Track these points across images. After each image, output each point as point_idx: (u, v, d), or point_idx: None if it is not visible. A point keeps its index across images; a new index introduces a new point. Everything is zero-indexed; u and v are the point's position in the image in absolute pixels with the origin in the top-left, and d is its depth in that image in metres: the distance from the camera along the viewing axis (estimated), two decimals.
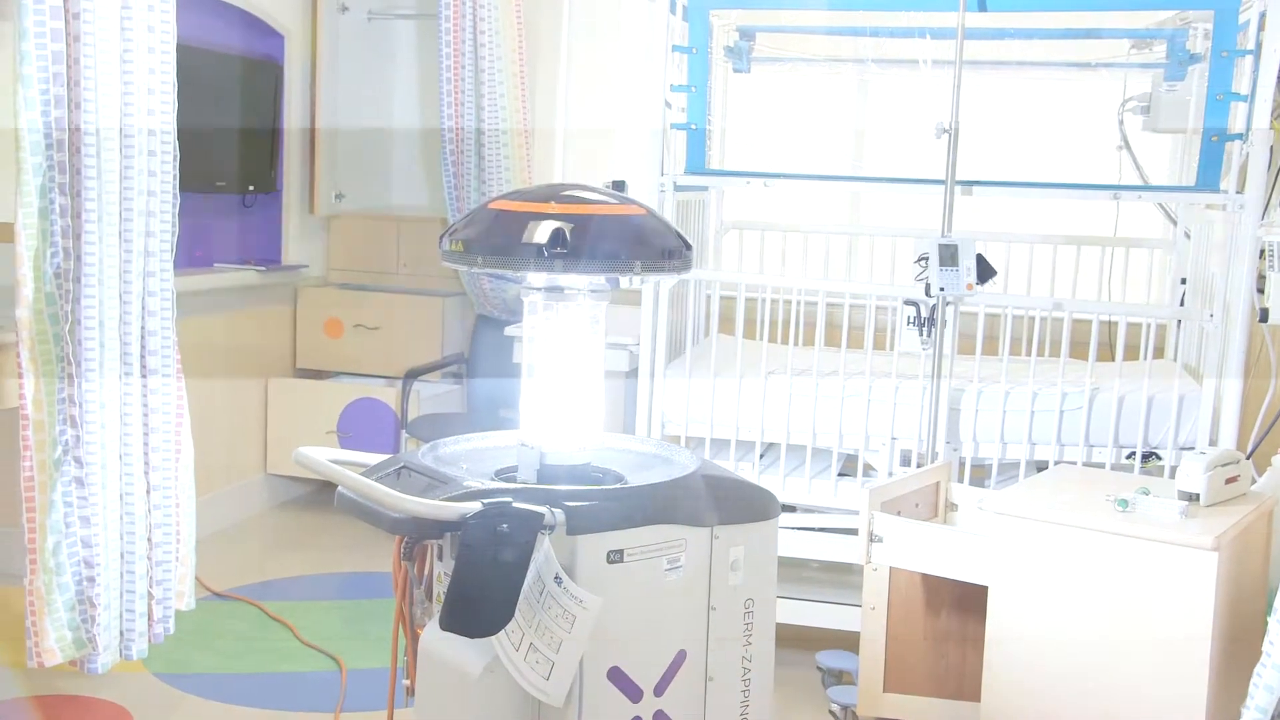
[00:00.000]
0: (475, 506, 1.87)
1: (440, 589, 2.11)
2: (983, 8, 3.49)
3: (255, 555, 4.72)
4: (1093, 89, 4.56)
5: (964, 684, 3.00)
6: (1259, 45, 3.28)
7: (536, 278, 2.07)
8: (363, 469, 2.16)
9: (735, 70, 4.22)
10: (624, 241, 2.01)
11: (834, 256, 4.45)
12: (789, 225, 4.59)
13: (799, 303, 3.82)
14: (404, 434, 4.91)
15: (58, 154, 2.96)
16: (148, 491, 3.32)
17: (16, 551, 3.14)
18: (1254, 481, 2.87)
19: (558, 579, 1.89)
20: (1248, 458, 3.01)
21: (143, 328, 3.25)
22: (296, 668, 3.65)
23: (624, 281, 2.07)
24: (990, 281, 3.43)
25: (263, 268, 5.04)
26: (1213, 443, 3.38)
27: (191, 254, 4.82)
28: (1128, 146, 4.16)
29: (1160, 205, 4.31)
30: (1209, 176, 3.39)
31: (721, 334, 3.83)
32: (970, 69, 3.83)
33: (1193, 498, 2.65)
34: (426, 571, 2.16)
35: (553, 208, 2.01)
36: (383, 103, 5.59)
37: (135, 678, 3.48)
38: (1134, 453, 3.47)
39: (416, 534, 2.03)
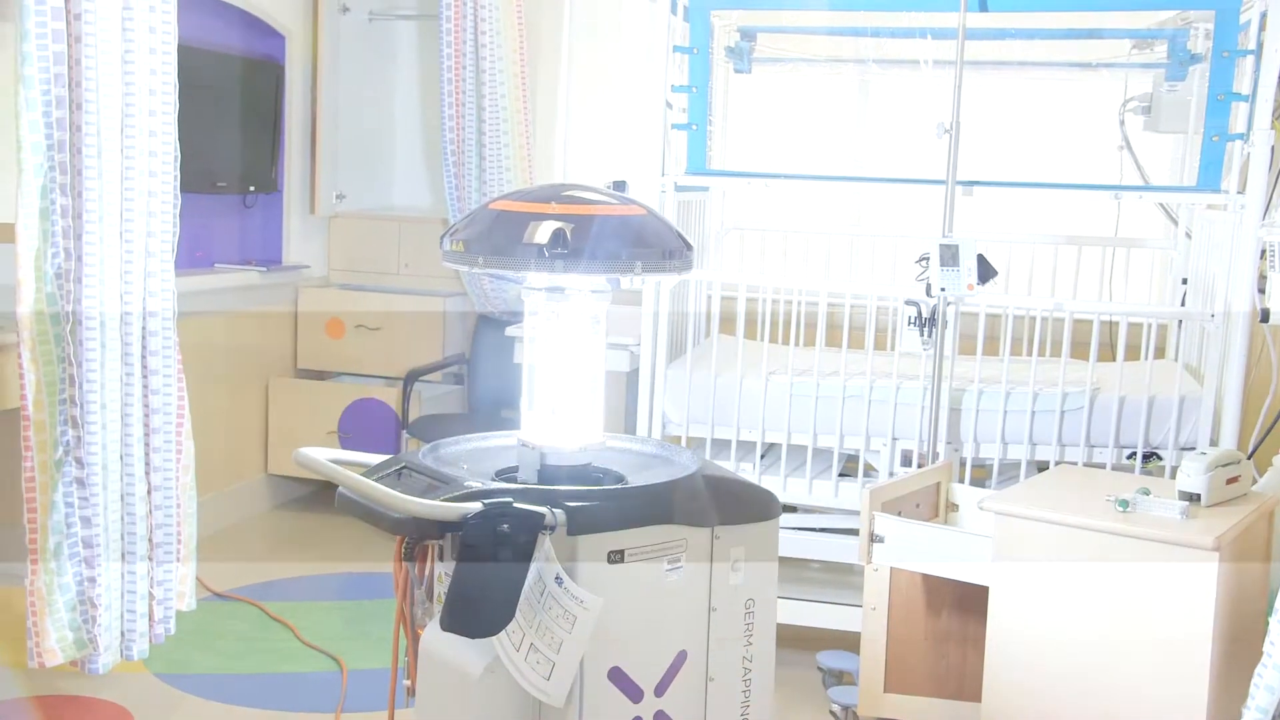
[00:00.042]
0: (476, 507, 1.87)
1: (441, 589, 2.11)
2: (984, 8, 3.49)
3: (256, 556, 4.72)
4: (1094, 89, 4.56)
5: (964, 684, 3.00)
6: (1260, 45, 3.27)
7: (537, 278, 2.07)
8: (363, 469, 2.16)
9: (736, 71, 4.22)
10: (625, 242, 2.01)
11: (835, 257, 4.45)
12: (790, 225, 4.59)
13: (800, 303, 3.82)
14: (405, 434, 4.91)
15: (59, 154, 2.96)
16: (149, 492, 3.33)
17: (18, 551, 3.14)
18: (1255, 482, 2.87)
19: (558, 579, 1.89)
20: (1249, 458, 3.01)
21: (144, 328, 3.25)
22: (297, 668, 3.65)
23: (625, 282, 2.07)
24: (991, 282, 3.43)
25: (264, 268, 5.04)
26: (1213, 443, 3.38)
27: (192, 254, 4.82)
28: (1129, 147, 4.16)
29: (1161, 205, 4.31)
30: (1210, 177, 3.39)
31: (722, 334, 3.84)
32: (971, 69, 3.83)
33: (1193, 498, 2.65)
34: (427, 572, 2.16)
35: (553, 208, 2.02)
36: (384, 103, 5.59)
37: (136, 678, 3.48)
38: (1135, 453, 3.47)
39: (417, 534, 2.03)
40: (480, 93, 4.85)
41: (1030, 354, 3.76)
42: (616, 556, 1.97)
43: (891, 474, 3.56)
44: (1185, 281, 4.07)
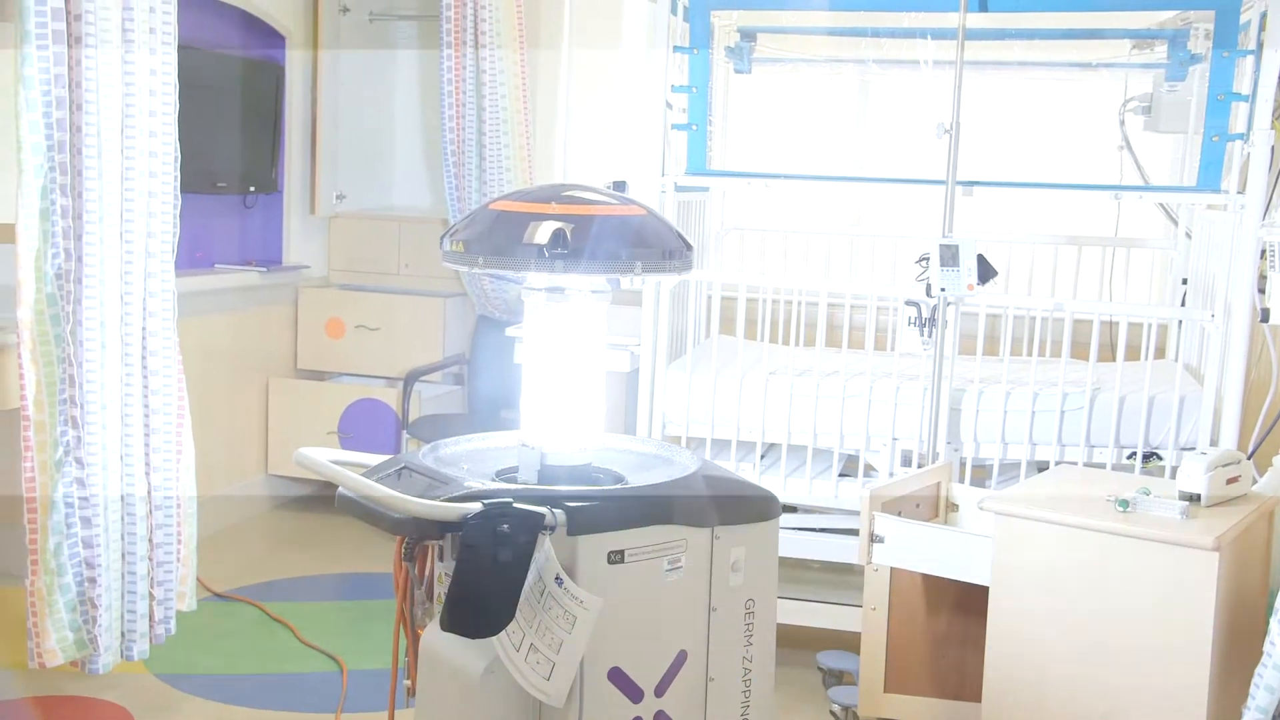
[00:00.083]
0: (476, 507, 1.87)
1: (441, 589, 2.11)
2: (984, 8, 3.49)
3: (256, 556, 4.72)
4: (1094, 89, 4.56)
5: (964, 684, 3.00)
6: (1260, 45, 3.27)
7: (537, 278, 2.07)
8: (363, 470, 2.16)
9: (736, 71, 4.22)
10: (625, 242, 2.01)
11: (835, 257, 4.45)
12: (790, 226, 4.59)
13: (800, 303, 3.83)
14: (405, 435, 4.91)
15: (59, 155, 2.96)
16: (149, 492, 3.33)
17: (18, 552, 3.14)
18: (1255, 482, 2.87)
19: (558, 579, 1.89)
20: (1249, 458, 3.01)
21: (144, 328, 3.25)
22: (297, 668, 3.65)
23: (625, 282, 2.07)
24: (991, 282, 3.43)
25: (264, 268, 5.04)
26: (1214, 443, 3.38)
27: (192, 255, 4.82)
28: (1129, 147, 4.16)
29: (1161, 205, 4.31)
30: (1210, 177, 3.39)
31: (722, 334, 3.84)
32: (971, 69, 3.83)
33: (1193, 498, 2.65)
34: (427, 572, 2.16)
35: (554, 208, 2.02)
36: (384, 103, 5.59)
37: (136, 678, 3.48)
38: (1135, 453, 3.47)
39: (417, 534, 2.03)
40: (480, 93, 4.85)
41: (1030, 354, 3.77)
42: (616, 557, 1.97)
43: (891, 474, 3.56)
44: (1185, 281, 4.07)
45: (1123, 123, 4.11)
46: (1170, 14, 3.79)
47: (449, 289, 5.24)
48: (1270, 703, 2.20)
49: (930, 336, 3.44)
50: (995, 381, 3.57)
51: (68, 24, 2.94)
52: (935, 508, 3.19)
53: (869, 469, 3.65)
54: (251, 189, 5.04)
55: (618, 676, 1.99)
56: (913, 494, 3.10)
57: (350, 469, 2.10)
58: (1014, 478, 3.54)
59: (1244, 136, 3.36)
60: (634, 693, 2.01)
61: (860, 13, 3.84)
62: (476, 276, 4.97)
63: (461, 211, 5.01)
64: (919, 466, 3.48)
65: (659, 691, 2.04)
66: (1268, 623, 2.25)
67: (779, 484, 3.63)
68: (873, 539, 2.94)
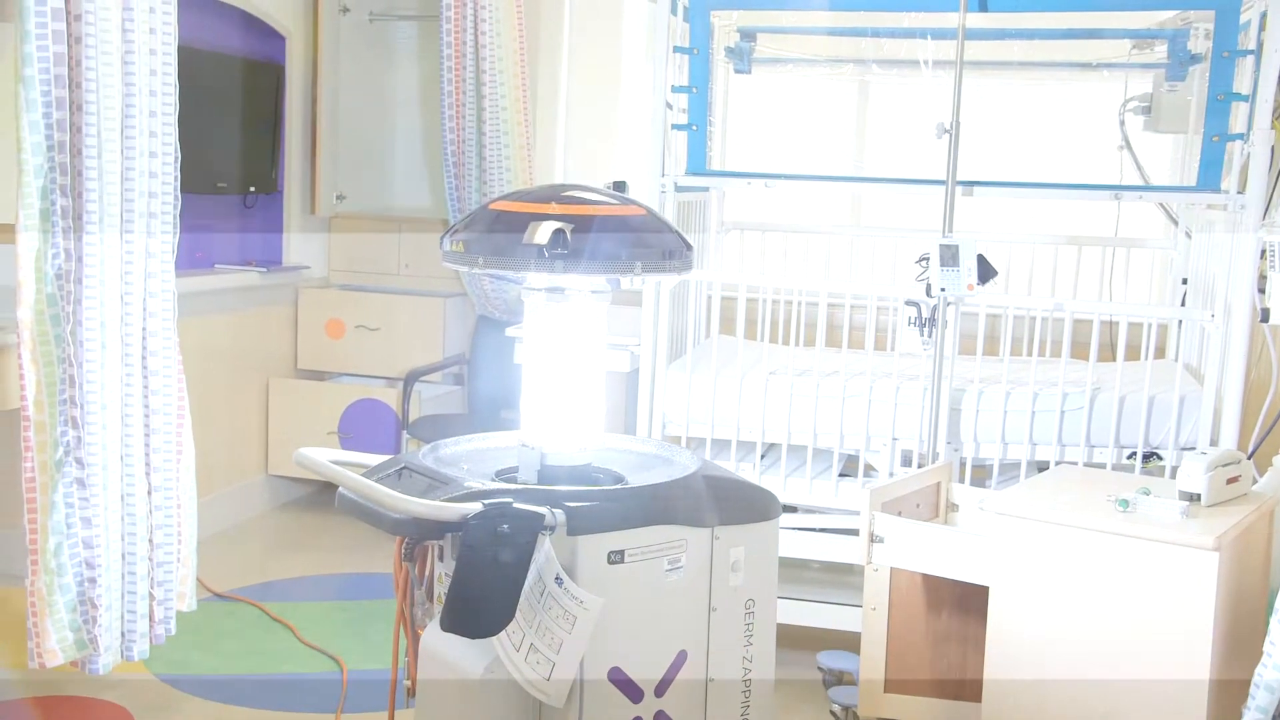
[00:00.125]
0: (476, 507, 1.87)
1: (441, 590, 2.11)
2: (984, 8, 3.49)
3: (256, 556, 4.72)
4: (1094, 89, 4.56)
5: (965, 684, 3.00)
6: (1260, 45, 3.28)
7: (537, 278, 2.07)
8: (364, 470, 2.16)
9: (736, 71, 4.23)
10: (625, 242, 2.02)
11: (835, 257, 4.45)
12: (790, 226, 4.59)
13: (800, 303, 3.83)
14: (405, 435, 4.91)
15: (59, 155, 2.96)
16: (149, 492, 3.33)
17: (18, 552, 3.14)
18: (1255, 482, 2.87)
19: (558, 579, 1.90)
20: (1249, 458, 3.01)
21: (144, 329, 3.25)
22: (297, 669, 3.65)
23: (625, 282, 2.07)
24: (991, 282, 3.43)
25: (264, 269, 5.04)
26: (1214, 443, 3.38)
27: (193, 255, 4.82)
28: (1129, 147, 4.16)
29: (1161, 205, 4.31)
30: (1210, 177, 3.39)
31: (722, 334, 3.84)
32: (971, 70, 3.83)
33: (1194, 498, 2.65)
34: (427, 572, 2.17)
35: (554, 208, 2.02)
36: (384, 104, 5.59)
37: (136, 678, 3.48)
38: (1135, 453, 3.47)
39: (417, 535, 2.03)
40: (480, 93, 4.86)
41: (1030, 354, 3.77)
42: (616, 557, 1.97)
43: (892, 474, 3.56)
44: (1185, 281, 4.07)
45: (1123, 123, 4.11)
46: (1170, 14, 3.79)
47: (449, 289, 5.24)
48: (1270, 703, 2.20)
49: (930, 336, 3.44)
50: (995, 381, 3.57)
51: (68, 24, 2.94)
52: (935, 508, 3.19)
53: (869, 469, 3.65)
54: (251, 189, 5.04)
55: (618, 676, 1.99)
56: (913, 494, 3.10)
57: (350, 469, 2.10)
58: (1014, 478, 3.54)
59: (1244, 136, 3.36)
60: (634, 693, 2.01)
61: (860, 13, 3.85)
62: (476, 276, 4.97)
63: (461, 211, 5.01)
64: (919, 466, 3.48)
65: (659, 691, 2.04)
66: (1268, 623, 2.25)
67: (779, 484, 3.63)
68: (873, 539, 2.93)
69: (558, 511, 1.92)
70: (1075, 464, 3.47)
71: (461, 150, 4.94)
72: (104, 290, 3.09)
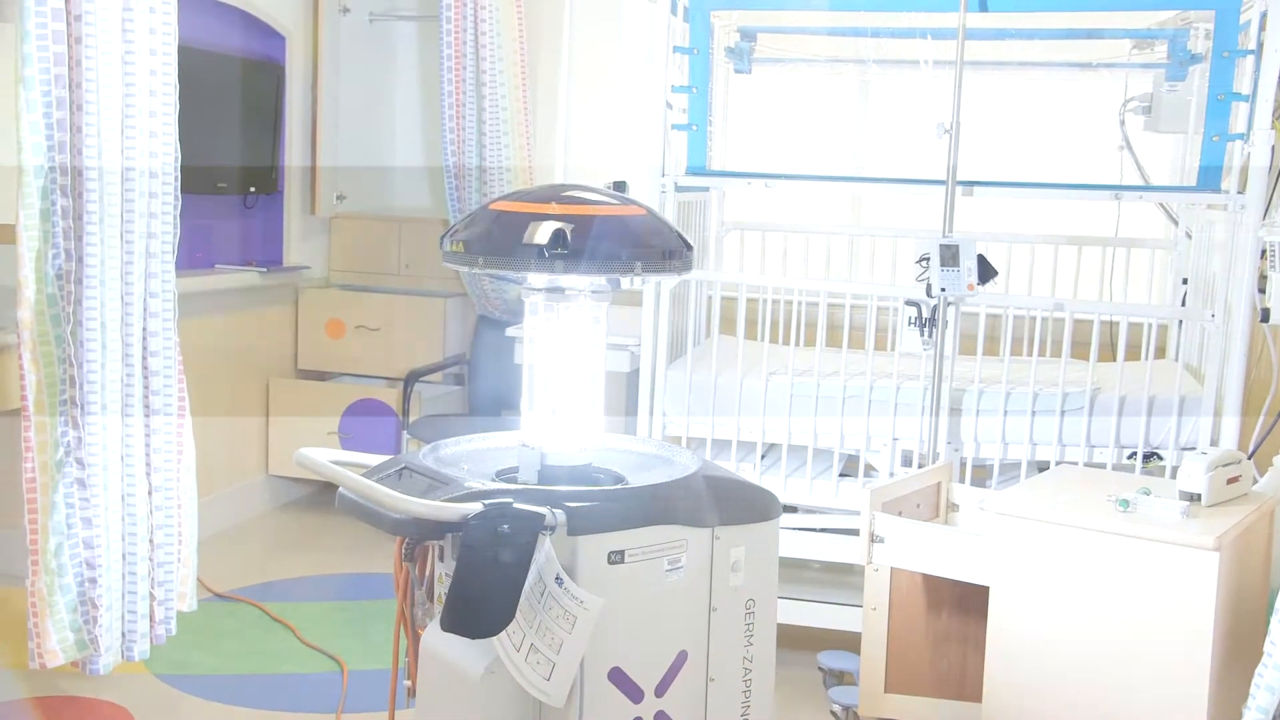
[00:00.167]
0: (476, 507, 1.87)
1: (441, 590, 2.11)
2: (984, 8, 3.49)
3: (257, 556, 4.72)
4: (1094, 89, 4.56)
5: (965, 684, 3.00)
6: (1260, 45, 3.27)
7: (537, 278, 2.07)
8: (364, 470, 2.16)
9: (736, 71, 4.22)
10: (625, 242, 2.02)
11: (835, 257, 4.45)
12: (790, 226, 4.59)
13: (800, 303, 3.82)
14: (405, 435, 4.92)
15: (59, 155, 2.96)
16: (149, 492, 3.33)
17: (18, 552, 3.15)
18: (1255, 482, 2.87)
19: (559, 580, 1.90)
20: (1249, 458, 3.01)
21: (144, 329, 3.25)
22: (298, 669, 3.65)
23: (625, 282, 2.07)
24: (991, 282, 3.43)
25: (264, 269, 5.04)
26: (1214, 443, 3.38)
27: (193, 255, 4.82)
28: (1129, 147, 4.16)
29: (1161, 205, 4.31)
30: (1210, 177, 3.39)
31: (722, 334, 3.84)
32: (971, 69, 3.83)
33: (1194, 498, 2.65)
34: (428, 572, 2.17)
35: (554, 208, 2.02)
36: (384, 104, 5.59)
37: (137, 679, 3.48)
38: (1135, 453, 3.47)
39: (418, 535, 2.03)
40: (480, 93, 4.86)
41: (1030, 354, 3.76)
42: (617, 557, 1.97)
43: (892, 474, 3.56)
44: (1185, 281, 4.07)
45: (1123, 123, 4.11)
46: (1170, 14, 3.79)
47: (449, 289, 5.24)
48: (1271, 703, 2.19)
49: (930, 336, 3.44)
50: (995, 382, 3.57)
51: (68, 24, 2.94)
52: (935, 508, 3.19)
53: (869, 469, 3.65)
54: (252, 189, 5.04)
55: (618, 676, 1.99)
56: (913, 494, 3.10)
57: (350, 469, 2.10)
58: (1014, 478, 3.54)
59: (1244, 136, 3.36)
60: (634, 693, 2.01)
61: (860, 13, 3.84)
62: (476, 276, 4.97)
63: (461, 211, 5.01)
64: (919, 466, 3.48)
65: (659, 691, 2.04)
66: (1268, 623, 2.25)
67: (779, 484, 3.63)
68: (873, 539, 2.94)
69: (558, 511, 1.92)
70: (1075, 464, 3.47)
71: (461, 150, 4.94)
72: (104, 290, 3.09)
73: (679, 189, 3.79)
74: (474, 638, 1.88)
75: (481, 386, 5.22)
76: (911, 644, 3.03)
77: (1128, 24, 3.98)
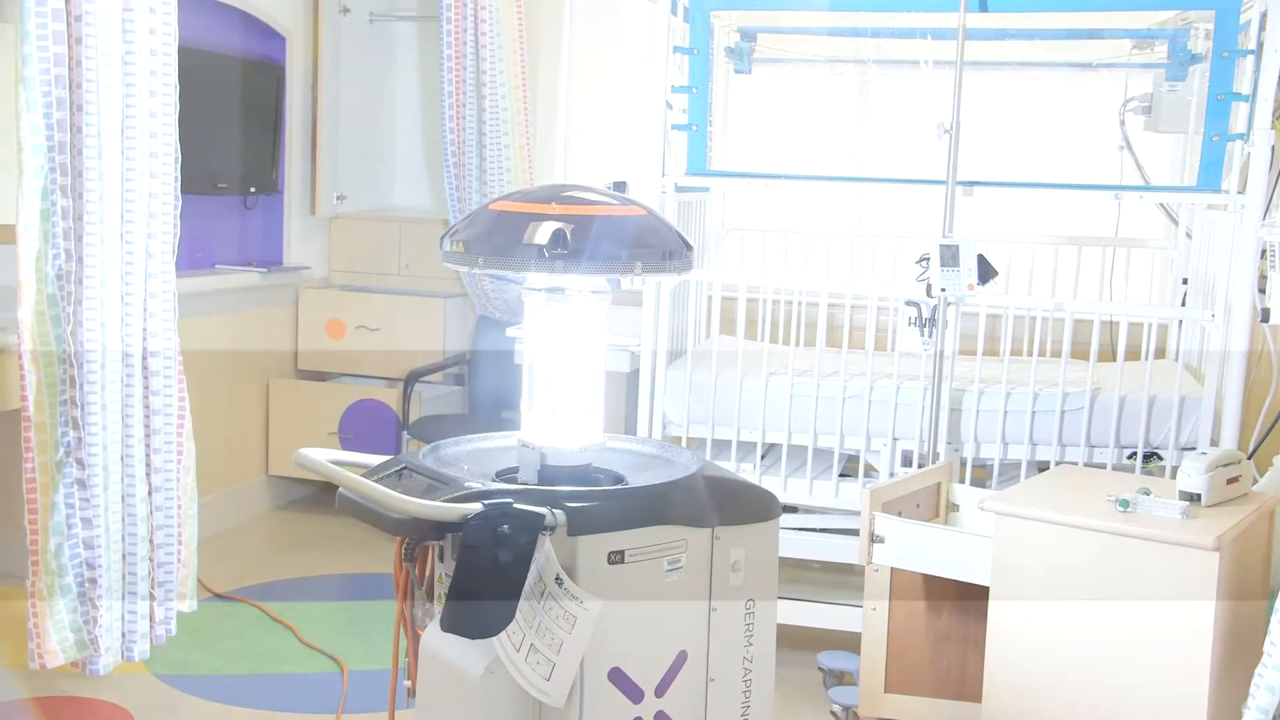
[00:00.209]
0: (476, 507, 1.87)
1: (441, 590, 2.11)
2: (984, 8, 3.49)
3: (257, 557, 4.72)
4: (1094, 89, 4.56)
5: (965, 684, 3.00)
6: (1260, 45, 3.27)
7: (537, 279, 2.07)
8: (364, 470, 2.16)
9: (736, 71, 4.22)
10: (625, 242, 2.01)
11: (835, 257, 4.46)
12: (790, 226, 4.59)
13: (800, 303, 3.83)
14: (405, 435, 4.92)
15: (59, 155, 2.96)
16: (149, 493, 3.33)
17: (18, 553, 3.15)
18: (1255, 482, 2.88)
19: (558, 580, 1.89)
20: (1249, 458, 3.01)
21: (144, 329, 3.25)
22: (298, 669, 3.65)
23: (625, 282, 2.07)
24: (991, 282, 3.43)
25: (264, 269, 5.04)
26: (1214, 443, 3.38)
27: (193, 255, 4.82)
28: (1129, 147, 4.16)
29: (1162, 205, 4.31)
30: (1210, 177, 3.39)
31: (723, 335, 3.84)
32: (971, 69, 3.83)
33: (1194, 498, 2.65)
34: (427, 573, 2.16)
35: (554, 209, 2.02)
36: (384, 104, 5.59)
37: (137, 679, 3.48)
38: (1135, 453, 3.47)
39: (417, 535, 2.03)
40: (480, 93, 4.86)
41: (1030, 354, 3.76)
42: (616, 557, 1.97)
43: (892, 474, 3.56)
44: (1185, 281, 4.07)
45: (1123, 123, 4.11)
46: (1170, 14, 3.79)
47: (449, 289, 5.24)
48: (1271, 703, 2.19)
49: (930, 337, 3.44)
50: (995, 382, 3.57)
51: (68, 24, 2.94)
52: (935, 508, 3.19)
53: (869, 469, 3.65)
54: (252, 189, 5.04)
55: (618, 676, 1.99)
56: (913, 494, 3.10)
57: (350, 470, 2.10)
58: (1014, 478, 3.54)
59: (1244, 136, 3.36)
60: (634, 693, 2.01)
61: (860, 13, 3.84)
62: (476, 277, 4.97)
63: (461, 212, 5.01)
64: (919, 467, 3.48)
65: (659, 691, 2.04)
66: (1268, 623, 2.25)
67: (779, 484, 3.63)
68: (873, 539, 2.94)
69: (558, 512, 1.92)
70: (1075, 464, 3.47)
71: (461, 150, 4.94)
72: (104, 290, 3.09)
73: (679, 189, 3.79)
74: (474, 638, 1.88)
75: (481, 387, 5.22)
76: (911, 644, 3.03)
77: (1128, 24, 3.98)
